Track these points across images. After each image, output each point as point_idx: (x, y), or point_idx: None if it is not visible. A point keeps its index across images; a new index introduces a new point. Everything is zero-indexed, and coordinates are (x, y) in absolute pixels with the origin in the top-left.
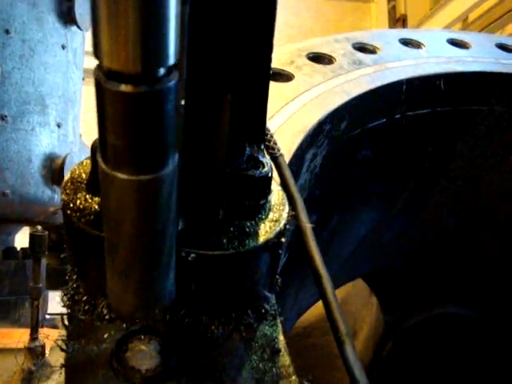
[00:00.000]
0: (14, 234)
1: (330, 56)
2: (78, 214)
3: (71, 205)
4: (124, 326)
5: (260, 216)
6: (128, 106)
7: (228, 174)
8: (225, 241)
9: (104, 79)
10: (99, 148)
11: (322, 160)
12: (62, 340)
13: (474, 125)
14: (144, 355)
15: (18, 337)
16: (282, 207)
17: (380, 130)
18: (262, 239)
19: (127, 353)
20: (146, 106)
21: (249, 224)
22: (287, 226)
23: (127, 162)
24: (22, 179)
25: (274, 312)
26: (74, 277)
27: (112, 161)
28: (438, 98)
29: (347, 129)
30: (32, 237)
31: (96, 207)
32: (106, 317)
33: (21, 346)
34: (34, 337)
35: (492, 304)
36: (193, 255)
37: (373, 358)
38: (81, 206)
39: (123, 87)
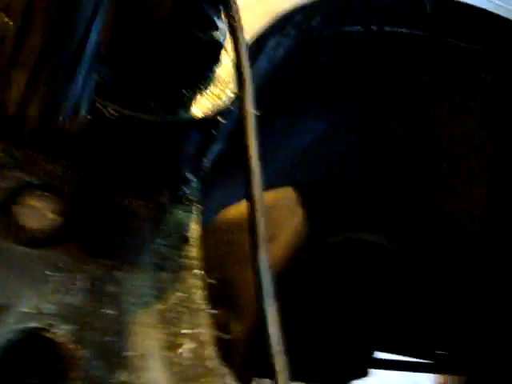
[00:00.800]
0: None
1: None
2: None
3: None
4: (20, 176)
5: (200, 87)
6: None
7: (172, 28)
8: (153, 105)
9: None
10: None
11: (284, 53)
12: None
13: (449, 60)
14: (36, 214)
15: None
16: (227, 85)
17: (352, 37)
18: (196, 113)
19: (16, 207)
20: None
21: (185, 92)
22: (229, 107)
23: None
24: None
25: (192, 198)
26: None
27: None
28: (420, 20)
29: (319, 26)
30: None
31: None
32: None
33: None
34: None
35: (410, 237)
36: (114, 113)
37: (286, 267)
38: None
39: None
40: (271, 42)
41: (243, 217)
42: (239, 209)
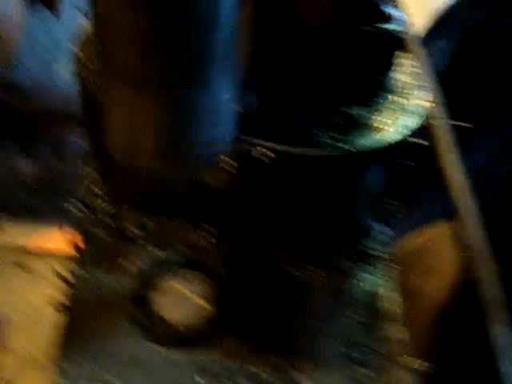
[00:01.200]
0: None
1: None
2: None
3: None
4: (156, 252)
5: (377, 99)
6: None
7: (332, 26)
8: (316, 133)
9: None
10: None
11: (449, 57)
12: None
13: None
14: (179, 301)
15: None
16: (411, 91)
17: None
18: (378, 137)
19: (154, 294)
20: None
21: (358, 112)
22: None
23: None
24: None
25: (381, 254)
26: (92, 174)
27: None
28: None
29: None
30: None
31: None
32: (131, 236)
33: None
34: None
35: None
36: (266, 151)
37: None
38: None
39: None
40: (435, 45)
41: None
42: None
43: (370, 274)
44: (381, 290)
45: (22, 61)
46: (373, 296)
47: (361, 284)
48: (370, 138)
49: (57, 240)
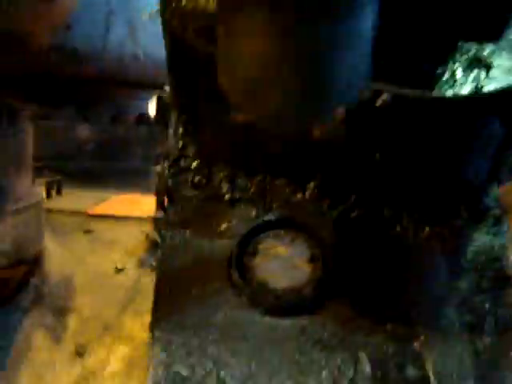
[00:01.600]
0: (148, 100)
1: None
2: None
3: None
4: (253, 213)
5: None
6: None
7: None
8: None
9: None
10: None
11: None
12: (158, 229)
13: None
14: (283, 266)
15: (146, 205)
16: None
17: None
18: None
19: (256, 258)
20: None
21: (479, 51)
22: None
23: None
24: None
25: (497, 212)
26: (180, 132)
27: None
28: None
29: None
30: (159, 100)
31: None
32: (226, 196)
33: (147, 214)
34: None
35: None
36: (385, 97)
37: None
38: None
39: None
40: None
41: None
42: None
43: (487, 234)
44: (499, 251)
45: (79, 24)
46: (491, 257)
47: (478, 244)
48: (494, 79)
49: (122, 204)
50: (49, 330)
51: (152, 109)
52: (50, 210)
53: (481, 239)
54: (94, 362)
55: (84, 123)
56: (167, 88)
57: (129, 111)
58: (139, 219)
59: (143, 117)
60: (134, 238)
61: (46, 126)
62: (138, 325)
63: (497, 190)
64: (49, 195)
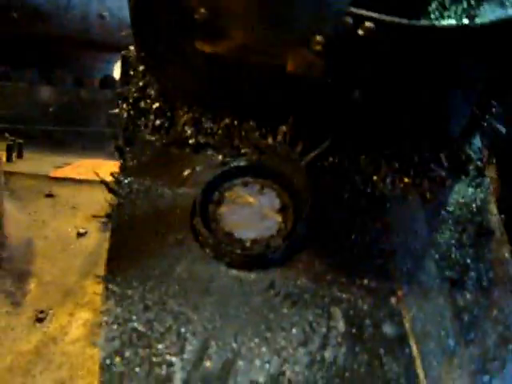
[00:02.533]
0: (113, 62)
1: None
2: None
3: None
4: (219, 158)
5: None
6: None
7: None
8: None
9: None
10: None
11: None
12: (114, 176)
13: None
14: (251, 215)
15: (109, 169)
16: None
17: None
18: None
19: (221, 207)
20: None
21: None
22: None
23: None
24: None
25: (480, 164)
26: (140, 70)
27: None
28: None
29: None
30: (124, 59)
31: None
32: (190, 141)
33: (110, 178)
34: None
35: None
36: (369, 24)
37: None
38: None
39: None
40: None
41: None
42: None
43: (469, 186)
44: (481, 204)
45: None
46: (473, 210)
47: (457, 196)
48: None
49: (85, 168)
50: (8, 295)
51: (117, 71)
52: (10, 174)
53: (462, 191)
54: (55, 328)
55: (46, 85)
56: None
57: (93, 74)
58: (102, 183)
59: (108, 79)
60: (97, 202)
61: (7, 88)
62: (100, 290)
63: (479, 140)
64: (9, 159)
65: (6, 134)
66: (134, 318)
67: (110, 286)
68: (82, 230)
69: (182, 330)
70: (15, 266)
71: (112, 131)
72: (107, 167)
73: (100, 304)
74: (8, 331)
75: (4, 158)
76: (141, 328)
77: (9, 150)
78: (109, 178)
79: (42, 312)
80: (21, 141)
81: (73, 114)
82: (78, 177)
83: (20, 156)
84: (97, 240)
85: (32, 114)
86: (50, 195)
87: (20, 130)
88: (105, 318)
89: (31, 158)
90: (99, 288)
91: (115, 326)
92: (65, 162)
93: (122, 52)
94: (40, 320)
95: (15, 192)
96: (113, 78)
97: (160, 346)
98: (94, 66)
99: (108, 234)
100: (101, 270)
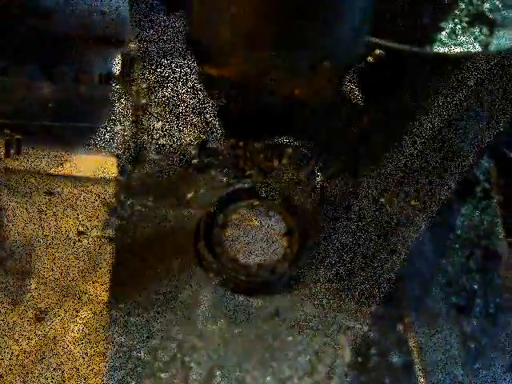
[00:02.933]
0: (113, 58)
1: None
2: None
3: None
4: (224, 180)
5: None
6: None
7: None
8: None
9: None
10: None
11: None
12: (116, 195)
13: None
14: (256, 239)
15: (110, 166)
16: None
17: None
18: None
19: (226, 231)
20: None
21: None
22: None
23: None
24: None
25: (488, 186)
26: (144, 87)
27: None
28: None
29: None
30: (124, 56)
31: None
32: (194, 161)
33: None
34: None
35: None
36: (379, 52)
37: None
38: None
39: None
40: None
41: None
42: None
43: (474, 208)
44: (488, 227)
45: None
46: (478, 233)
47: (464, 219)
48: None
49: (84, 164)
50: (8, 294)
51: (117, 67)
52: (9, 170)
53: (469, 214)
54: (55, 327)
55: (46, 81)
56: (132, 44)
57: (93, 69)
58: (102, 181)
59: (108, 75)
60: (98, 199)
61: (6, 83)
62: (100, 289)
63: (486, 162)
64: (8, 154)
65: (5, 130)
66: (138, 346)
67: (114, 312)
68: (82, 229)
69: (187, 358)
70: (15, 264)
71: (112, 128)
72: (107, 164)
73: (100, 304)
74: (8, 330)
75: (2, 154)
76: (145, 357)
77: (7, 146)
78: (109, 176)
79: (42, 311)
80: (19, 136)
81: (72, 110)
82: (77, 174)
83: (18, 151)
84: (97, 238)
85: (31, 109)
86: (49, 193)
87: (19, 126)
88: (109, 348)
89: (30, 153)
90: (99, 288)
91: (119, 355)
92: (64, 159)
93: (122, 50)
94: (40, 319)
95: (15, 189)
96: (113, 74)
97: (164, 376)
98: (94, 61)
99: (108, 233)
100: (101, 270)
